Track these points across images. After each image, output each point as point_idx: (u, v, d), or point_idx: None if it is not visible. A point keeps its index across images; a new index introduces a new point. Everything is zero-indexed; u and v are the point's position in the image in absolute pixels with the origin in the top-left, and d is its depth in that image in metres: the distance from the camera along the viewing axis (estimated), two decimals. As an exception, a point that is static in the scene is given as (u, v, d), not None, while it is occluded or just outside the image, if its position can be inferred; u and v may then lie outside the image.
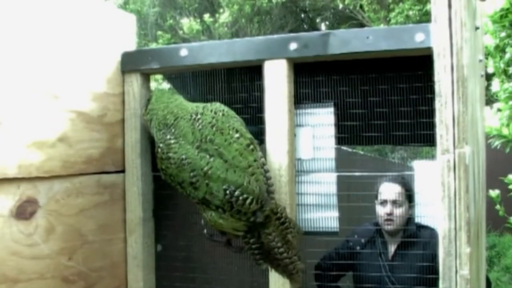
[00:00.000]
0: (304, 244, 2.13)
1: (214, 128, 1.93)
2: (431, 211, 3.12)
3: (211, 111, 1.98)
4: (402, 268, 2.99)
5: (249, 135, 1.96)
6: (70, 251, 2.03)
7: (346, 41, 1.98)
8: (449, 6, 1.70)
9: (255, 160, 1.91)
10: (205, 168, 1.89)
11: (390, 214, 3.22)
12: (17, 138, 1.84)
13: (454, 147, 1.67)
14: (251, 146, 1.93)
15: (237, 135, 1.93)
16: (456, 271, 1.67)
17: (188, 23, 15.96)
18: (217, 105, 2.01)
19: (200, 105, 2.04)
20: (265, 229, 1.92)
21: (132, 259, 2.29)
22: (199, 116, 1.97)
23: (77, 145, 2.07)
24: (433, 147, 2.04)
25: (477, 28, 1.78)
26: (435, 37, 1.74)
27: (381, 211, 3.26)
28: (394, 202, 3.23)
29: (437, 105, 1.72)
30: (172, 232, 2.39)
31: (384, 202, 3.26)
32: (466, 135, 1.65)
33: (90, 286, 2.12)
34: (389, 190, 3.24)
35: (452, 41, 1.70)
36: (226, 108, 2.00)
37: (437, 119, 1.72)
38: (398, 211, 3.22)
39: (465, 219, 1.65)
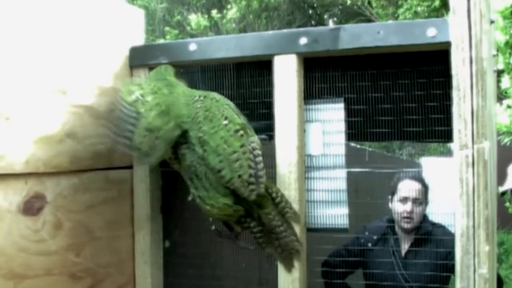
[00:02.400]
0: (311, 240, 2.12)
1: (207, 112, 1.92)
2: (440, 207, 3.11)
3: (209, 98, 1.97)
4: (415, 266, 2.97)
5: (240, 120, 1.93)
6: (77, 247, 2.02)
7: (356, 36, 1.96)
8: None
9: (242, 146, 1.88)
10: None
11: (411, 212, 3.19)
12: (25, 134, 1.83)
13: (473, 142, 1.64)
14: (241, 132, 1.90)
15: (225, 122, 1.91)
16: (474, 270, 1.64)
17: (195, 19, 15.95)
18: (211, 94, 2.00)
19: (196, 92, 2.03)
20: (263, 209, 1.91)
21: (140, 255, 2.27)
22: (196, 98, 1.97)
23: (85, 140, 2.06)
24: (445, 143, 2.03)
25: (492, 22, 1.76)
26: (453, 29, 1.72)
27: (400, 208, 3.23)
28: (415, 201, 3.20)
29: (455, 99, 1.69)
30: (180, 228, 2.38)
31: (404, 200, 3.23)
32: (485, 130, 1.62)
33: (97, 283, 2.11)
34: (410, 188, 3.22)
35: (471, 33, 1.67)
36: (218, 96, 1.99)
37: (455, 114, 1.69)
38: (418, 210, 3.20)
39: (484, 217, 1.62)
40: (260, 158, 1.90)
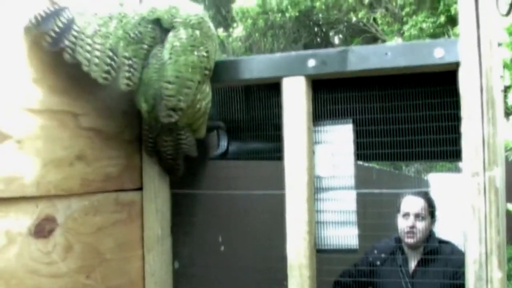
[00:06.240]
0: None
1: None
2: (448, 224, 3.10)
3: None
4: (423, 285, 2.96)
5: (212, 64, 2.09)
6: (88, 269, 2.03)
7: (364, 58, 1.97)
8: (478, 26, 1.69)
9: (200, 82, 2.02)
10: None
11: (412, 227, 3.19)
12: (36, 157, 1.84)
13: (484, 170, 1.65)
14: (206, 72, 2.06)
15: (205, 54, 2.04)
16: None
17: (202, 38, 16.01)
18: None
19: None
20: (162, 135, 2.11)
21: (150, 276, 2.27)
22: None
23: (95, 163, 2.07)
24: (455, 162, 2.03)
25: (499, 45, 1.77)
26: (463, 58, 1.73)
27: (403, 224, 3.23)
28: (417, 215, 3.20)
29: (466, 127, 1.70)
30: (189, 249, 2.38)
31: (406, 215, 3.23)
32: (496, 157, 1.63)
33: (108, 304, 2.11)
34: (412, 203, 3.22)
35: (481, 61, 1.68)
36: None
37: (466, 142, 1.70)
38: (420, 225, 3.19)
39: (496, 243, 1.63)
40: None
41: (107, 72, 1.89)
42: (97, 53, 1.88)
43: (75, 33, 1.87)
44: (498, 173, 1.65)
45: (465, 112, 1.71)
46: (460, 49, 1.75)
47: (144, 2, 2.04)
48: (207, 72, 2.04)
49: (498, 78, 1.71)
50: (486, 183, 1.65)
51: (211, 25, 2.11)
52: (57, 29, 1.84)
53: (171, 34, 1.99)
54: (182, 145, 2.14)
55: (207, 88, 2.08)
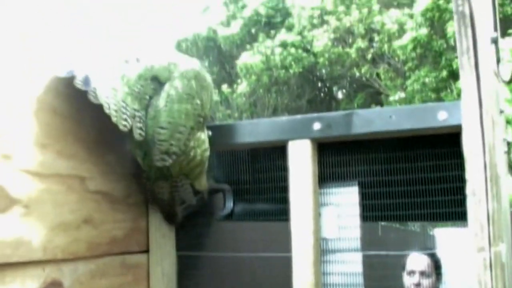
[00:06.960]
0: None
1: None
2: (455, 280, 3.08)
3: None
4: None
5: (208, 112, 2.15)
6: (93, 334, 2.02)
7: (369, 121, 1.99)
8: (480, 105, 1.71)
9: (192, 128, 2.04)
10: None
11: (418, 284, 3.19)
12: (43, 221, 1.85)
13: (490, 245, 1.65)
14: (200, 119, 2.08)
15: (198, 101, 2.07)
16: None
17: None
18: None
19: None
20: (158, 181, 2.13)
21: None
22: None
23: (102, 226, 2.07)
24: (460, 221, 2.03)
25: (501, 112, 1.79)
26: (467, 137, 1.75)
27: (409, 281, 3.22)
28: (422, 273, 3.20)
29: (471, 204, 1.71)
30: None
31: (412, 273, 3.23)
32: (501, 232, 1.64)
33: None
34: (417, 261, 3.22)
35: (484, 140, 1.71)
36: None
37: (471, 218, 1.71)
38: (426, 283, 3.18)
39: None
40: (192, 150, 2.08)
41: (125, 120, 1.93)
42: (113, 101, 1.93)
43: (93, 84, 1.93)
44: (504, 248, 1.65)
45: (470, 189, 1.72)
46: (464, 126, 1.77)
47: (142, 60, 2.08)
48: (201, 119, 2.08)
49: (502, 154, 1.72)
50: (492, 258, 1.66)
51: (207, 76, 2.16)
52: (83, 75, 1.91)
53: (167, 84, 2.04)
54: (178, 193, 2.17)
55: (202, 136, 2.10)
